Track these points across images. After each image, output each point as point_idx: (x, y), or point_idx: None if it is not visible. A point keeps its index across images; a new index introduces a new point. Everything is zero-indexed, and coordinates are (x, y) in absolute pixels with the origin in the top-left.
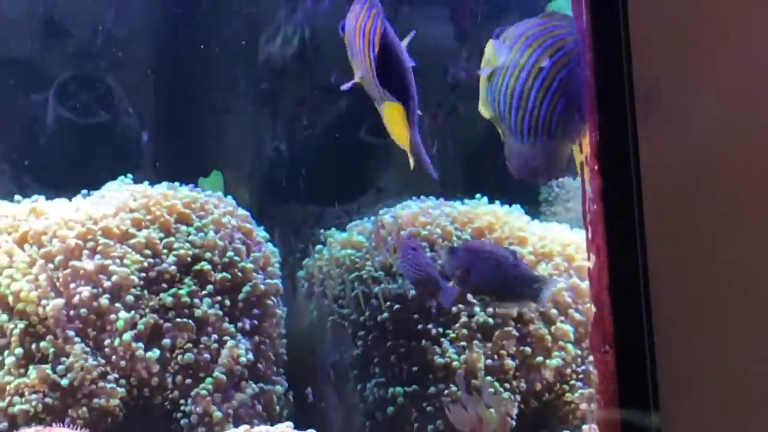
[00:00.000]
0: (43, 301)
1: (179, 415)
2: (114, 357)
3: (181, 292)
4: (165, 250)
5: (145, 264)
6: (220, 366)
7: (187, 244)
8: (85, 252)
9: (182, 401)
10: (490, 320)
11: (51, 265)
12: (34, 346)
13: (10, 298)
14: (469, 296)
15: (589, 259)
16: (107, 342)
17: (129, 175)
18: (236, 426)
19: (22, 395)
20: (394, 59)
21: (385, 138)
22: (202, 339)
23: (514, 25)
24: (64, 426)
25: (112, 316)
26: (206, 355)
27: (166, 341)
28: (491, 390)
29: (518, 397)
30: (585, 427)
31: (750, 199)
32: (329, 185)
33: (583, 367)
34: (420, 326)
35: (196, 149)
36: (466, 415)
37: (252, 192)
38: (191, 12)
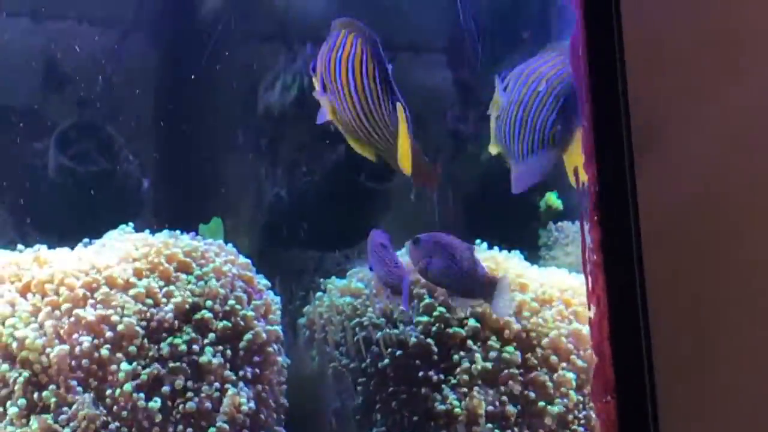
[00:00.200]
0: (47, 350)
1: None
2: (115, 407)
3: (180, 341)
4: (165, 299)
5: (147, 314)
6: (221, 415)
7: (188, 293)
8: (89, 302)
9: None
10: (489, 365)
11: (57, 313)
12: (36, 395)
13: (14, 345)
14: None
15: (589, 309)
16: (108, 392)
17: (130, 224)
18: None
19: None
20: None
21: (385, 183)
22: (203, 387)
23: (518, 67)
24: None
25: (113, 367)
26: (208, 404)
27: (167, 390)
28: None
29: None
30: None
31: (749, 244)
32: (329, 231)
33: (584, 413)
34: (421, 373)
35: (197, 196)
36: None
37: (252, 238)
38: (191, 60)
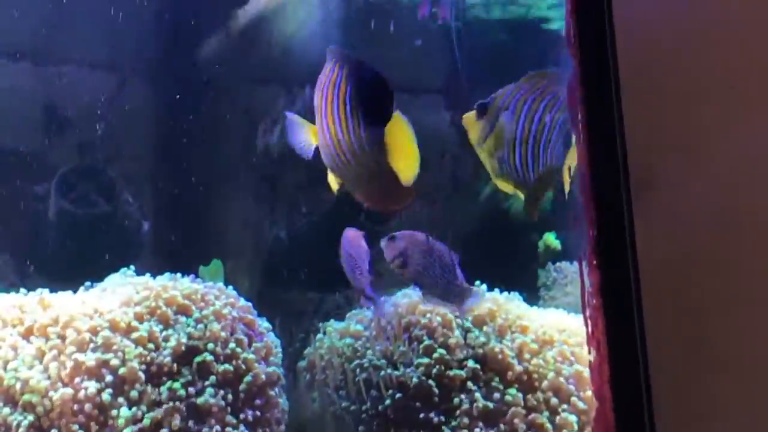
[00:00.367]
0: (50, 393)
1: None
2: None
3: (179, 385)
4: (165, 343)
5: (148, 358)
6: None
7: (188, 336)
8: (91, 345)
9: None
10: (491, 405)
11: (61, 357)
12: None
13: (18, 387)
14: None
15: (589, 352)
16: None
17: (131, 267)
18: None
19: None
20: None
21: (384, 224)
22: (204, 430)
23: (505, 91)
24: None
25: (114, 412)
26: None
27: None
28: None
29: None
30: None
31: (749, 287)
32: (329, 272)
33: None
34: (422, 414)
35: (197, 238)
36: None
37: (252, 280)
38: (191, 103)
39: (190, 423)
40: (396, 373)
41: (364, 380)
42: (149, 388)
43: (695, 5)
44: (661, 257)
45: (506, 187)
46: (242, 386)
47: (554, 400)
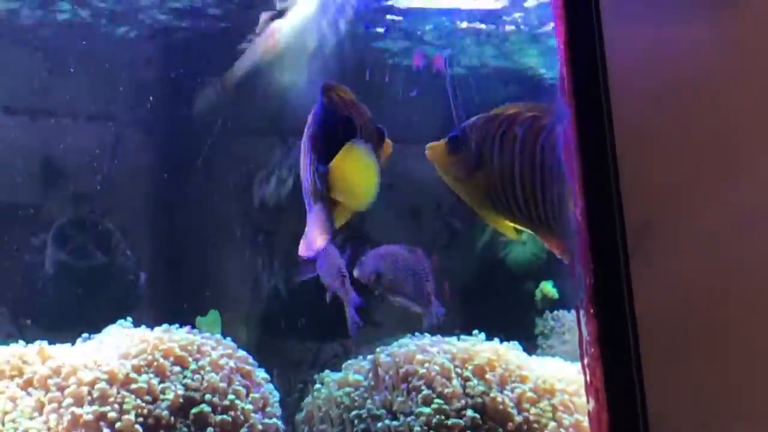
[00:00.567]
0: None
1: None
2: None
3: None
4: (163, 395)
5: (145, 410)
6: None
7: (186, 387)
8: (89, 398)
9: None
10: None
11: (60, 410)
12: None
13: None
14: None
15: (588, 402)
16: None
17: (128, 319)
18: None
19: None
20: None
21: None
22: None
23: (483, 124)
24: None
25: None
26: None
27: None
28: None
29: None
30: None
31: (745, 337)
32: (326, 322)
33: None
34: None
35: (194, 289)
36: None
37: (250, 330)
38: (187, 154)
39: None
40: (395, 423)
41: (363, 430)
42: None
43: (688, 55)
44: (658, 306)
45: (504, 225)
46: None
47: None
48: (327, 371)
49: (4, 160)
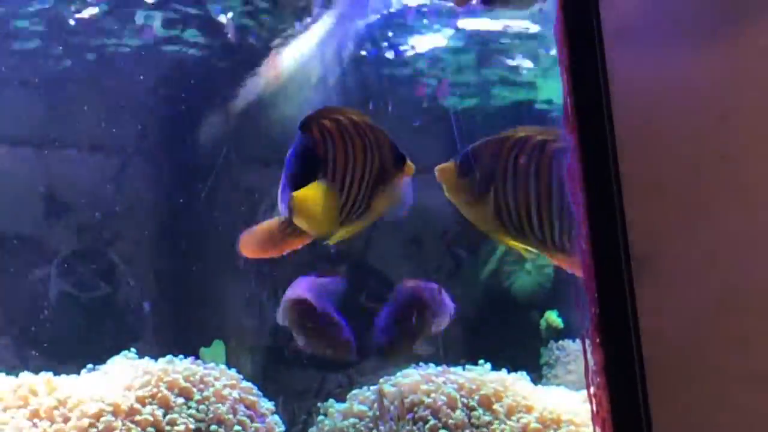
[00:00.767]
0: None
1: None
2: None
3: None
4: (168, 427)
5: None
6: None
7: (190, 419)
8: (94, 430)
9: None
10: None
11: None
12: None
13: None
14: None
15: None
16: None
17: (133, 350)
18: None
19: None
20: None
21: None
22: None
23: (492, 147)
24: None
25: None
26: None
27: None
28: None
29: None
30: None
31: (753, 363)
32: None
33: None
34: None
35: (198, 319)
36: None
37: (254, 360)
38: (191, 183)
39: None
40: None
41: None
42: None
43: (691, 83)
44: (664, 334)
45: (514, 245)
46: None
47: None
48: (331, 401)
49: (6, 191)
